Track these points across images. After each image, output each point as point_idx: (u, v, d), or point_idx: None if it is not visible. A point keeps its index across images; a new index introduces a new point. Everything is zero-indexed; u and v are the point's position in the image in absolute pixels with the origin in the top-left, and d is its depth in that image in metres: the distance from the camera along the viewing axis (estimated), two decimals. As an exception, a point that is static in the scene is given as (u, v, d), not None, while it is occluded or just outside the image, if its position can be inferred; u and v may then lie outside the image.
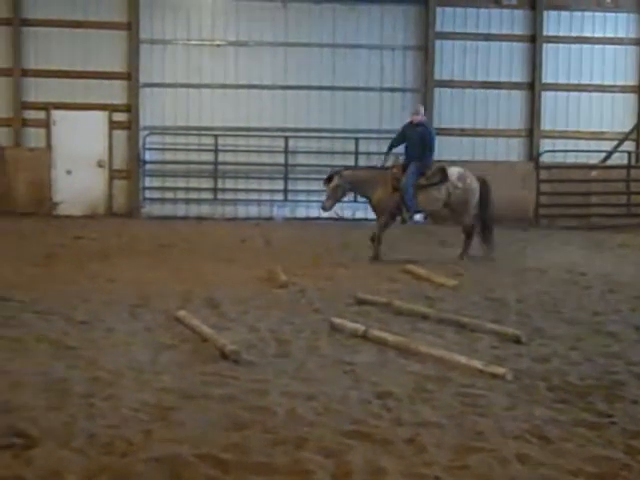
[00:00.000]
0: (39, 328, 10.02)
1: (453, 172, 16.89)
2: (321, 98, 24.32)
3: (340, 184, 16.63)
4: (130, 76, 23.78)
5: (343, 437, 6.47)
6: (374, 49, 24.38)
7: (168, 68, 24.05)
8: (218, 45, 24.15)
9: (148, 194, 24.10)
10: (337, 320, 10.37)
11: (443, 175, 16.76)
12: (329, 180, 16.71)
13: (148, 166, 24.02)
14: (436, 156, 24.22)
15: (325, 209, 16.99)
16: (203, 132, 24.03)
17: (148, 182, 24.09)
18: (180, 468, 5.80)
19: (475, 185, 16.89)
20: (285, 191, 24.15)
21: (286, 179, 24.11)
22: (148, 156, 23.99)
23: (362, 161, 23.79)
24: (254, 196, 24.18)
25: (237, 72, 24.18)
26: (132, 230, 20.85)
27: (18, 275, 13.92)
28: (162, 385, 7.76)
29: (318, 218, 23.24)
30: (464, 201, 16.80)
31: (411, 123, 17.04)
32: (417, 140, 16.68)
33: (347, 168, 18.12)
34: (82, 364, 8.42)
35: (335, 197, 16.78)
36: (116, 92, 23.84)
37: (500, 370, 8.34)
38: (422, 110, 17.53)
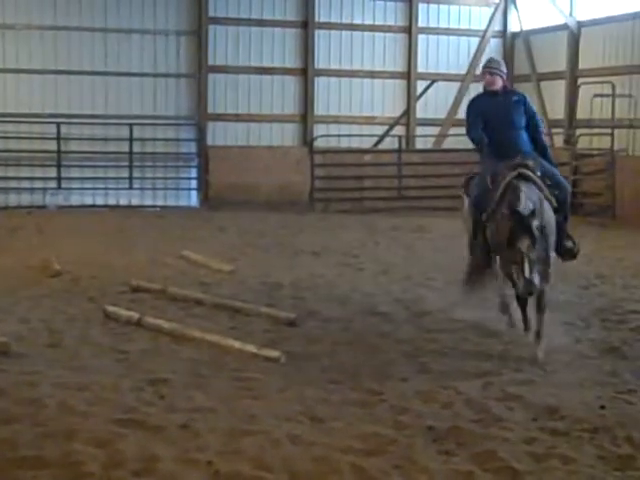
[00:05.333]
0: None
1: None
2: (94, 84, 23.77)
3: None
4: None
5: (115, 426, 6.43)
6: (147, 34, 24.06)
7: None
8: (-16, 28, 23.29)
9: None
10: (111, 308, 10.28)
11: None
12: None
13: None
14: (211, 142, 24.58)
15: None
16: (-31, 118, 23.15)
17: None
18: (-57, 467, 5.62)
19: None
20: (58, 179, 23.52)
21: (59, 166, 23.50)
22: None
23: (137, 147, 23.50)
24: (26, 184, 23.41)
25: (4, 56, 23.32)
26: None
27: None
28: None
29: (93, 205, 22.84)
30: None
31: (489, 92, 9.82)
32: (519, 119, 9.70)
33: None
34: None
35: None
36: None
37: (273, 353, 8.47)
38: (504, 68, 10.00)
